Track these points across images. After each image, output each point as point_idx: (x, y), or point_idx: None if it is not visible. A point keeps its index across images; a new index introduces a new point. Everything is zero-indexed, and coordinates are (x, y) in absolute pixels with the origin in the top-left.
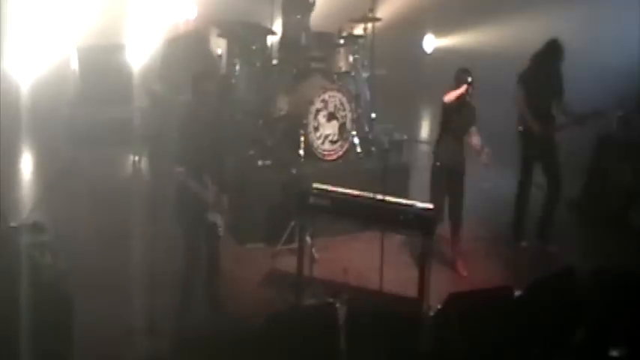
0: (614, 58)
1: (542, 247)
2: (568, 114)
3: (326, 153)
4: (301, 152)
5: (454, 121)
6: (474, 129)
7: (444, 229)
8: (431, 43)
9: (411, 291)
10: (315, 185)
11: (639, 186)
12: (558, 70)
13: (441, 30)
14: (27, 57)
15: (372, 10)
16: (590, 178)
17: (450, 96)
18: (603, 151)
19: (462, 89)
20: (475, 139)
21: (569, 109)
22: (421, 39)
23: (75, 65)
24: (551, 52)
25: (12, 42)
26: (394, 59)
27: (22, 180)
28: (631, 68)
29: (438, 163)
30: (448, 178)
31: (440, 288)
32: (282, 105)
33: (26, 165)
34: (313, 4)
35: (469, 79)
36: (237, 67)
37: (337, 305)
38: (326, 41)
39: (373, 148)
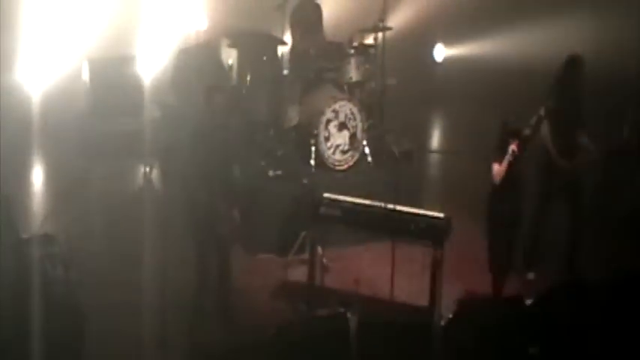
0: (626, 66)
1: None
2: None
3: (337, 163)
4: (312, 162)
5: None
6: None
7: None
8: (441, 52)
9: (423, 301)
10: (326, 195)
11: None
12: (581, 91)
13: (451, 39)
14: (39, 68)
15: (382, 19)
16: (597, 188)
17: (498, 173)
18: (616, 162)
19: (507, 160)
20: None
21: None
22: (432, 48)
23: (86, 77)
24: (573, 73)
25: (24, 53)
26: (405, 69)
27: (33, 191)
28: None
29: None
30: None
31: (452, 298)
32: (293, 115)
33: (38, 176)
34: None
35: (516, 133)
36: (248, 78)
37: (349, 315)
38: (336, 51)
39: (384, 158)
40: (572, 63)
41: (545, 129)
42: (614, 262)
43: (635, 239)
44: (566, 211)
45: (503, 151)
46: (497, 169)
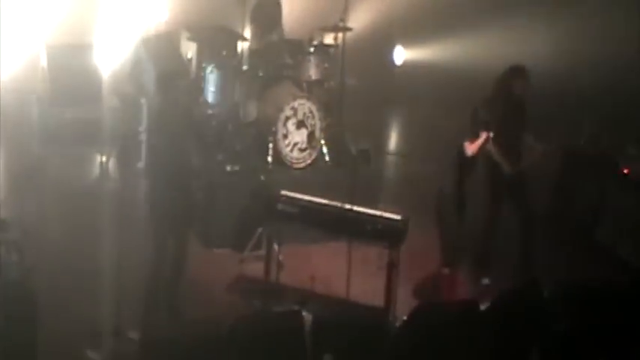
0: (585, 73)
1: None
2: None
3: (295, 161)
4: (270, 159)
5: (471, 173)
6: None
7: None
8: (401, 54)
9: (378, 301)
10: (284, 192)
11: (606, 202)
12: (523, 95)
13: (411, 42)
14: None
15: (343, 19)
16: (555, 194)
17: (473, 147)
18: (569, 167)
19: (484, 138)
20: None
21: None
22: (391, 50)
23: (44, 64)
24: (512, 76)
25: None
26: (364, 69)
27: None
28: (602, 84)
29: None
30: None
31: (407, 299)
32: (252, 111)
33: None
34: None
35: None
36: (207, 72)
37: (303, 313)
38: (296, 49)
39: (342, 158)
40: (513, 73)
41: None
42: (567, 266)
43: (587, 244)
44: (517, 216)
45: (475, 134)
46: (470, 145)
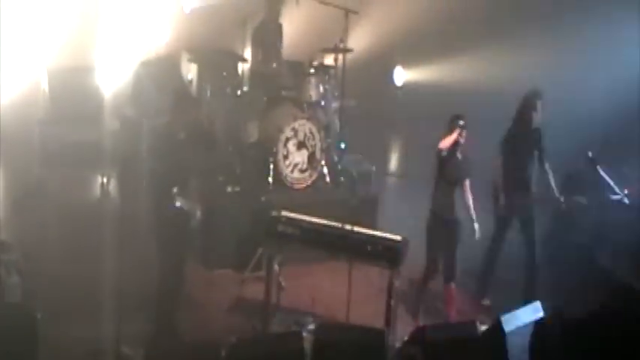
0: (582, 97)
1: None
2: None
3: (295, 181)
4: (270, 180)
5: (448, 171)
6: (467, 182)
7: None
8: (401, 75)
9: (378, 322)
10: (284, 213)
11: (605, 225)
12: (537, 128)
13: (411, 63)
14: None
15: (343, 40)
16: (555, 217)
17: (445, 142)
18: (570, 191)
19: (456, 134)
20: (467, 196)
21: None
22: (391, 71)
23: (45, 86)
24: (529, 106)
25: None
26: (364, 90)
27: None
28: (598, 107)
29: (433, 213)
30: (443, 229)
31: (407, 320)
32: (252, 132)
33: None
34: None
35: (461, 123)
36: (208, 93)
37: (304, 334)
38: (297, 70)
39: (342, 179)
40: (532, 96)
41: (497, 157)
42: (567, 289)
43: (591, 268)
44: (522, 239)
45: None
46: (444, 142)
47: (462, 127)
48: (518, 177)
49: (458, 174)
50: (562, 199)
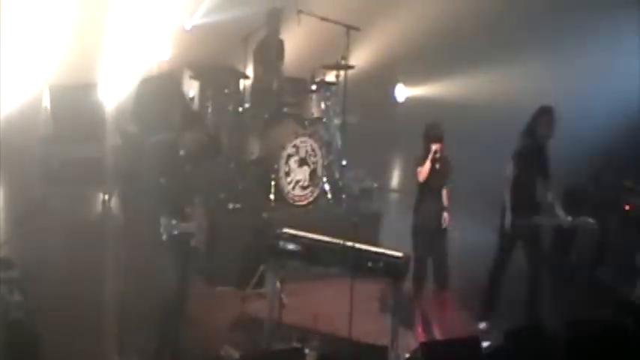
0: (584, 112)
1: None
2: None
3: (297, 198)
4: (272, 197)
5: (430, 178)
6: (448, 185)
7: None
8: (402, 92)
9: (381, 339)
10: (285, 230)
11: (607, 241)
12: (547, 146)
13: (412, 80)
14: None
15: (344, 57)
16: (558, 233)
17: (423, 173)
18: (572, 206)
19: (431, 156)
20: (445, 197)
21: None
22: (393, 88)
23: (47, 103)
24: (538, 125)
25: None
26: (366, 107)
27: None
28: (601, 124)
29: (418, 223)
30: (430, 239)
31: (409, 337)
32: (254, 149)
33: None
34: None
35: (434, 147)
36: (210, 110)
37: (306, 351)
38: (298, 87)
39: (344, 195)
40: (543, 114)
41: (507, 173)
42: (569, 305)
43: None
44: (524, 261)
45: (426, 156)
46: (421, 169)
47: (440, 141)
48: (527, 194)
49: (439, 179)
50: (569, 219)
